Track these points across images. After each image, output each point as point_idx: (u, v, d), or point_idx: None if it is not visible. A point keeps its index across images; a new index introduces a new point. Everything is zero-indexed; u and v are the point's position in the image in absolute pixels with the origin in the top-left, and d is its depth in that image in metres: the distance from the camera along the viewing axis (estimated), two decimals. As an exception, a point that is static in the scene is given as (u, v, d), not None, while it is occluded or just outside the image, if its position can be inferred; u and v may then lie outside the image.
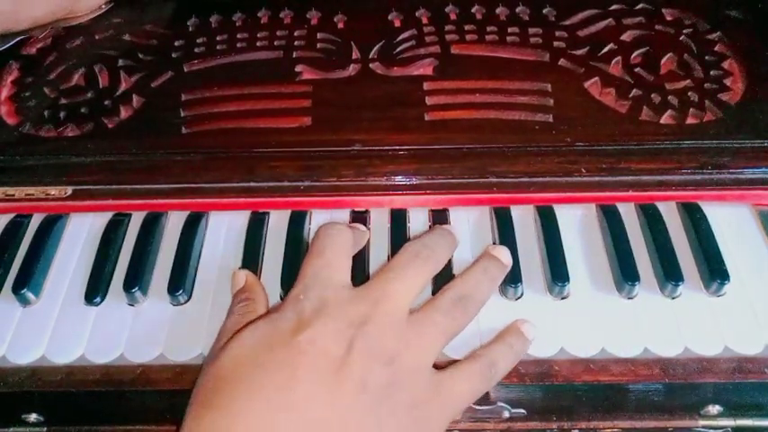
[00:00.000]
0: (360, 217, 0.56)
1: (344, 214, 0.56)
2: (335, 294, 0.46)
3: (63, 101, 0.64)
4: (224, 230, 0.56)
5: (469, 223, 0.56)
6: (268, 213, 0.56)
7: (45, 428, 0.53)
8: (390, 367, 0.43)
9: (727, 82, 0.62)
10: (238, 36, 0.68)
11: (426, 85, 0.62)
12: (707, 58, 0.63)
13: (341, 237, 0.49)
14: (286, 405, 0.41)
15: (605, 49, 0.64)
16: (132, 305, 0.52)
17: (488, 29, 0.66)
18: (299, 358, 0.42)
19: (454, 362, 0.47)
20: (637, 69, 0.63)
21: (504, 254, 0.51)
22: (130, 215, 0.57)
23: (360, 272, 0.51)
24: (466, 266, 0.53)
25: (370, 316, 0.44)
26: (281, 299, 0.51)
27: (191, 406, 0.42)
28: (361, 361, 0.42)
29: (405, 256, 0.48)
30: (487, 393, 0.50)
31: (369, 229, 0.55)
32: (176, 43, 0.68)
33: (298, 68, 0.64)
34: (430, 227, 0.55)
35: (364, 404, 0.41)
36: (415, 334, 0.45)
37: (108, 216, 0.57)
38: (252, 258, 0.53)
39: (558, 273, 0.50)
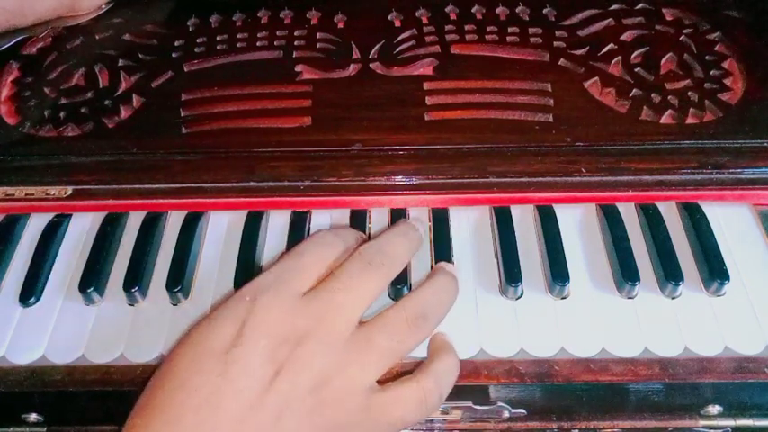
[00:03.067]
0: (360, 217, 0.56)
1: (344, 214, 0.56)
2: (282, 304, 0.43)
3: (63, 101, 0.64)
4: (224, 230, 0.56)
5: (469, 223, 0.56)
6: (266, 212, 0.56)
7: (45, 428, 0.53)
8: (316, 394, 0.41)
9: (728, 82, 0.62)
10: (238, 36, 0.68)
11: (426, 85, 0.62)
12: (707, 58, 0.63)
13: (329, 248, 0.47)
14: None
15: (605, 49, 0.64)
16: (132, 305, 0.52)
17: (488, 29, 0.66)
18: (222, 383, 0.40)
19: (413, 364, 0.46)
20: (637, 69, 0.63)
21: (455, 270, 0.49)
22: (127, 213, 0.57)
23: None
24: (464, 267, 0.53)
25: (309, 333, 0.42)
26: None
27: (137, 404, 0.42)
28: (284, 389, 0.41)
29: (355, 263, 0.45)
30: (487, 393, 0.50)
31: (369, 228, 0.55)
32: (176, 43, 0.68)
33: (298, 68, 0.64)
34: (429, 228, 0.55)
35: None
36: (355, 355, 0.42)
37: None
38: (248, 257, 0.53)
39: (558, 273, 0.50)
